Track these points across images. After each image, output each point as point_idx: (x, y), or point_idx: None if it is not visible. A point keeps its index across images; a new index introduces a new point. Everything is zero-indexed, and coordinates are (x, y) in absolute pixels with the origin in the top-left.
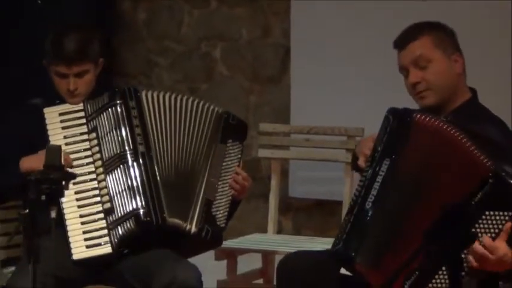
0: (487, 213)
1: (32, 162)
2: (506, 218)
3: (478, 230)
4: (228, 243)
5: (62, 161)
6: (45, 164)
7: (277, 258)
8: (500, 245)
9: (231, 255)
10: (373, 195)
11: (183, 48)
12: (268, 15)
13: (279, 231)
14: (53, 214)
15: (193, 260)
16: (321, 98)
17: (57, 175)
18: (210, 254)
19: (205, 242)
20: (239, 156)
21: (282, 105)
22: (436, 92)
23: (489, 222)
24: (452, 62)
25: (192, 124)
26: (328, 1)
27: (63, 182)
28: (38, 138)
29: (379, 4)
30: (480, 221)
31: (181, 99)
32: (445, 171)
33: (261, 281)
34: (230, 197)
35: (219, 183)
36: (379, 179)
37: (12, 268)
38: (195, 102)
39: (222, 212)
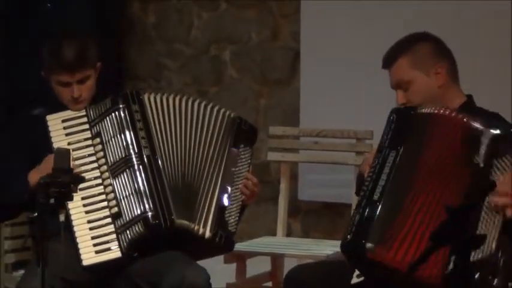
0: (495, 162)
1: (42, 173)
2: None
3: (496, 178)
4: (237, 247)
5: (71, 164)
6: (54, 167)
7: (287, 261)
8: None
9: (240, 258)
10: (380, 186)
11: (193, 51)
12: (277, 17)
13: (288, 234)
14: (62, 217)
15: (202, 262)
16: (330, 101)
17: (66, 178)
18: (219, 257)
19: (218, 247)
20: (249, 161)
21: (291, 108)
22: None
23: (502, 166)
24: (432, 76)
25: (200, 127)
26: (338, 3)
27: (72, 185)
28: (42, 149)
29: (389, 7)
30: (494, 172)
31: (187, 102)
32: (440, 145)
33: (270, 284)
34: (240, 202)
35: (232, 188)
36: (386, 170)
37: (22, 271)
38: (202, 105)
39: (233, 217)
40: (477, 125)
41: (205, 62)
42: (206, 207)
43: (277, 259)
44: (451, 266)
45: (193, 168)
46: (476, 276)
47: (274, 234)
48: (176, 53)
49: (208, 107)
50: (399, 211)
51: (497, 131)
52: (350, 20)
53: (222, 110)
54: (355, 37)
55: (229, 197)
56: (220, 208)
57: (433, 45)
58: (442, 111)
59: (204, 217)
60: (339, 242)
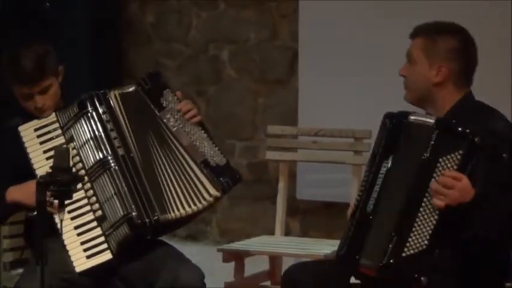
0: (440, 159)
1: (18, 194)
2: (458, 157)
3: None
4: (235, 246)
5: (70, 163)
6: (53, 166)
7: (285, 260)
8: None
9: (239, 257)
10: (373, 198)
11: (191, 51)
12: (276, 17)
13: (287, 233)
14: (61, 216)
15: (200, 262)
16: (329, 100)
17: (65, 177)
18: (218, 255)
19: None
20: (176, 98)
21: (290, 107)
22: (410, 91)
23: (444, 167)
24: (433, 70)
25: (137, 114)
26: (336, 4)
27: (71, 184)
28: (23, 159)
29: (388, 6)
30: (437, 169)
31: (125, 95)
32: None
33: (268, 283)
34: (206, 135)
35: (192, 139)
36: (379, 181)
37: (20, 270)
38: (122, 93)
39: (215, 154)
40: (430, 120)
41: (203, 62)
42: (195, 178)
43: (275, 258)
44: (386, 258)
45: (160, 153)
46: (407, 273)
47: (272, 233)
48: (175, 53)
49: (126, 94)
50: (391, 227)
51: (437, 127)
52: (348, 20)
53: (128, 88)
54: (353, 37)
55: (198, 149)
56: (204, 164)
57: (456, 44)
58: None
59: (203, 188)
60: (337, 242)
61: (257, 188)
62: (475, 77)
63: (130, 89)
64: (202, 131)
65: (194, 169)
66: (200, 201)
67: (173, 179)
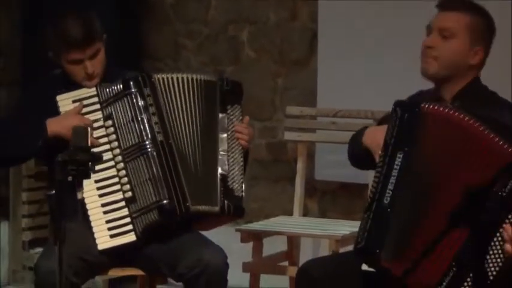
0: None
1: (57, 125)
2: None
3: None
4: (253, 226)
5: (89, 142)
6: (72, 145)
7: (303, 241)
8: None
9: (257, 238)
10: (390, 190)
11: (210, 31)
12: None
13: (305, 213)
14: (80, 195)
15: (218, 242)
16: (348, 82)
17: (84, 156)
18: (236, 236)
19: (229, 216)
20: (240, 117)
21: (309, 88)
22: (440, 65)
23: None
24: (471, 52)
25: (198, 103)
26: None
27: (90, 164)
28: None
29: None
30: None
31: (188, 80)
32: (461, 158)
33: (286, 263)
34: (242, 162)
35: (228, 153)
36: (394, 173)
37: (39, 249)
38: (195, 79)
39: (237, 181)
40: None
41: (223, 42)
42: (210, 183)
43: (293, 239)
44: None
45: (199, 146)
46: None
47: (290, 214)
48: (194, 33)
49: (195, 79)
50: (415, 227)
51: None
52: (368, 1)
53: (202, 78)
54: (373, 18)
55: (227, 164)
56: (222, 178)
57: (493, 28)
58: (449, 111)
59: (211, 194)
60: (355, 223)
61: (275, 168)
62: None
63: (212, 79)
64: (241, 158)
65: (215, 177)
66: (205, 204)
67: (205, 174)
